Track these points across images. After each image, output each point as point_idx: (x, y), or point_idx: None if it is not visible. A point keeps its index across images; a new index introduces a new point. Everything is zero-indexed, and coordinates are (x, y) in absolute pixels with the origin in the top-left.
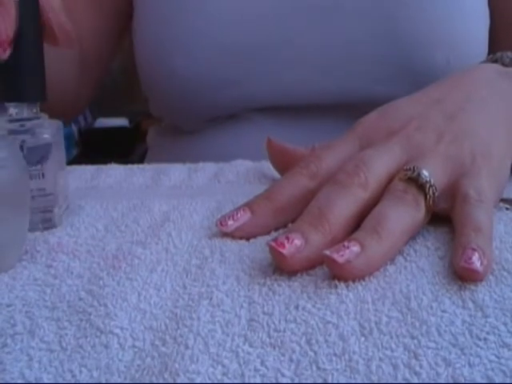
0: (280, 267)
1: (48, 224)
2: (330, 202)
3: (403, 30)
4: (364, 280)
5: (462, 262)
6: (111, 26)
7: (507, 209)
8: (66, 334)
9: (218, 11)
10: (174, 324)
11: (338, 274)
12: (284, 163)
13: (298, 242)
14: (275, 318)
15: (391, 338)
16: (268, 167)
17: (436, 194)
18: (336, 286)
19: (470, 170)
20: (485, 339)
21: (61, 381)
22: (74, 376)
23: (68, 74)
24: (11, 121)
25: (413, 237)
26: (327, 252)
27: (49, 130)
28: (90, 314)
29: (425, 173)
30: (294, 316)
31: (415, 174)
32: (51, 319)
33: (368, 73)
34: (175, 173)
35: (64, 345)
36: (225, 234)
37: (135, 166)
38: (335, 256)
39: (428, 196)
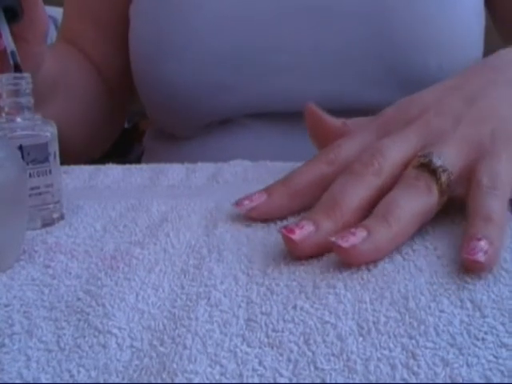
0: (292, 253)
1: (58, 215)
2: (344, 190)
3: (397, 33)
4: (362, 279)
5: (465, 254)
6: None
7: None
8: (64, 334)
9: (210, 17)
10: (172, 324)
11: (346, 260)
12: (315, 128)
13: (308, 228)
14: (273, 318)
15: (389, 337)
16: (266, 167)
17: (451, 178)
18: (334, 286)
19: (488, 153)
20: (483, 339)
21: (59, 381)
22: (72, 376)
23: (99, 109)
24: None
25: (426, 222)
26: (332, 238)
27: (49, 128)
28: (88, 314)
29: (437, 158)
30: (291, 316)
31: (427, 159)
32: (49, 319)
33: (361, 77)
34: (173, 173)
35: (62, 345)
36: (223, 233)
37: (133, 166)
38: (340, 242)
39: (440, 180)
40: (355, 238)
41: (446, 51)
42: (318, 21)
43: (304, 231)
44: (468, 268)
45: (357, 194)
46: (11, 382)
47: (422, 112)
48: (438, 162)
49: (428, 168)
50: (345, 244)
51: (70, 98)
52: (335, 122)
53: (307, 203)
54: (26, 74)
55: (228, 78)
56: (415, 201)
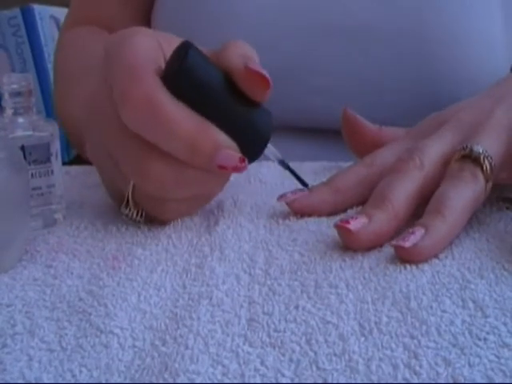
0: (349, 245)
1: (59, 215)
2: (391, 185)
3: (434, 65)
4: (364, 279)
5: None
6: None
7: (507, 208)
8: (66, 334)
9: (249, 34)
10: (173, 324)
11: (408, 259)
12: (351, 131)
13: (362, 219)
14: (275, 318)
15: (391, 337)
16: (268, 167)
17: (493, 164)
18: (336, 286)
19: None
20: (485, 339)
21: (61, 381)
22: (73, 376)
23: None
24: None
25: (476, 210)
26: (394, 241)
27: (50, 128)
28: (89, 314)
29: (477, 146)
30: (293, 316)
31: (467, 150)
32: (51, 319)
33: (394, 107)
34: None
35: (64, 345)
36: (225, 230)
37: None
38: (401, 243)
39: (484, 167)
40: (415, 237)
41: (478, 86)
42: (357, 46)
43: (358, 222)
44: None
45: (403, 187)
46: (13, 381)
47: (453, 114)
48: (478, 149)
49: (470, 158)
50: (407, 244)
51: None
52: (371, 126)
53: (349, 201)
54: (27, 74)
55: None
56: (464, 190)
